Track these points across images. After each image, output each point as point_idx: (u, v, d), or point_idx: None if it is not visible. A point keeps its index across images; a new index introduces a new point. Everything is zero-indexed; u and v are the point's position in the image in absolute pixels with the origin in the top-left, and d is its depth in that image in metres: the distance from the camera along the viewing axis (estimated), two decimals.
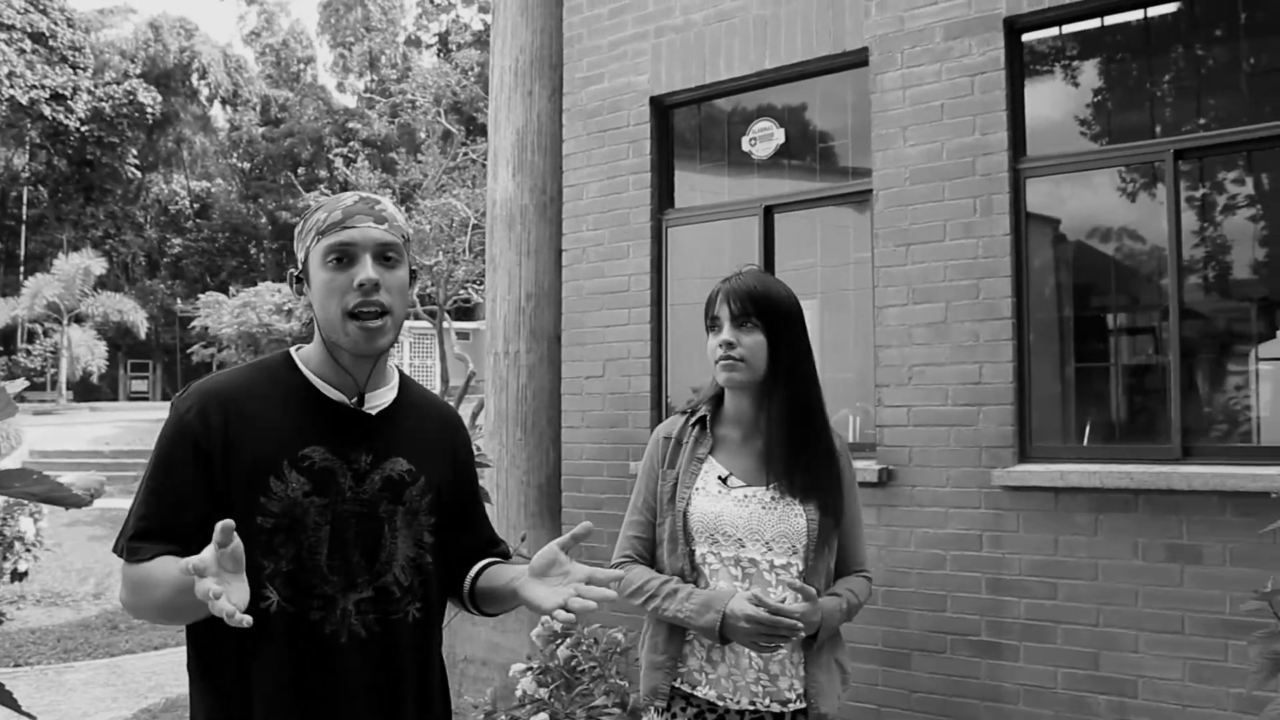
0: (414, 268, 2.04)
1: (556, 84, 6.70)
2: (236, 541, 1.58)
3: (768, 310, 2.53)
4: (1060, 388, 5.01)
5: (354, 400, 1.98)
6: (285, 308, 23.70)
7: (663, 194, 6.19)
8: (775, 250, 5.74)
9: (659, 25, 6.12)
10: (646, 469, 2.71)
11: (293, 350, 2.04)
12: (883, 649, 5.01)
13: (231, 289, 34.71)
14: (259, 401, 1.92)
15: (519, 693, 4.39)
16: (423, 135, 38.93)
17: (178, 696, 6.42)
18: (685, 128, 6.27)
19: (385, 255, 1.91)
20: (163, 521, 1.83)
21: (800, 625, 2.34)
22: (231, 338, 24.31)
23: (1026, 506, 4.71)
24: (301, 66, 56.54)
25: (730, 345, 2.51)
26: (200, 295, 30.07)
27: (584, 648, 4.45)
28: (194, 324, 27.92)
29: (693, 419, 2.68)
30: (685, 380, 6.07)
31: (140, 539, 1.83)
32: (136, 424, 25.14)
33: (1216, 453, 4.50)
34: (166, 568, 1.74)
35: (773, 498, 2.51)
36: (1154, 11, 4.80)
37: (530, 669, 4.48)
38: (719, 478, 2.56)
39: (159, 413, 29.32)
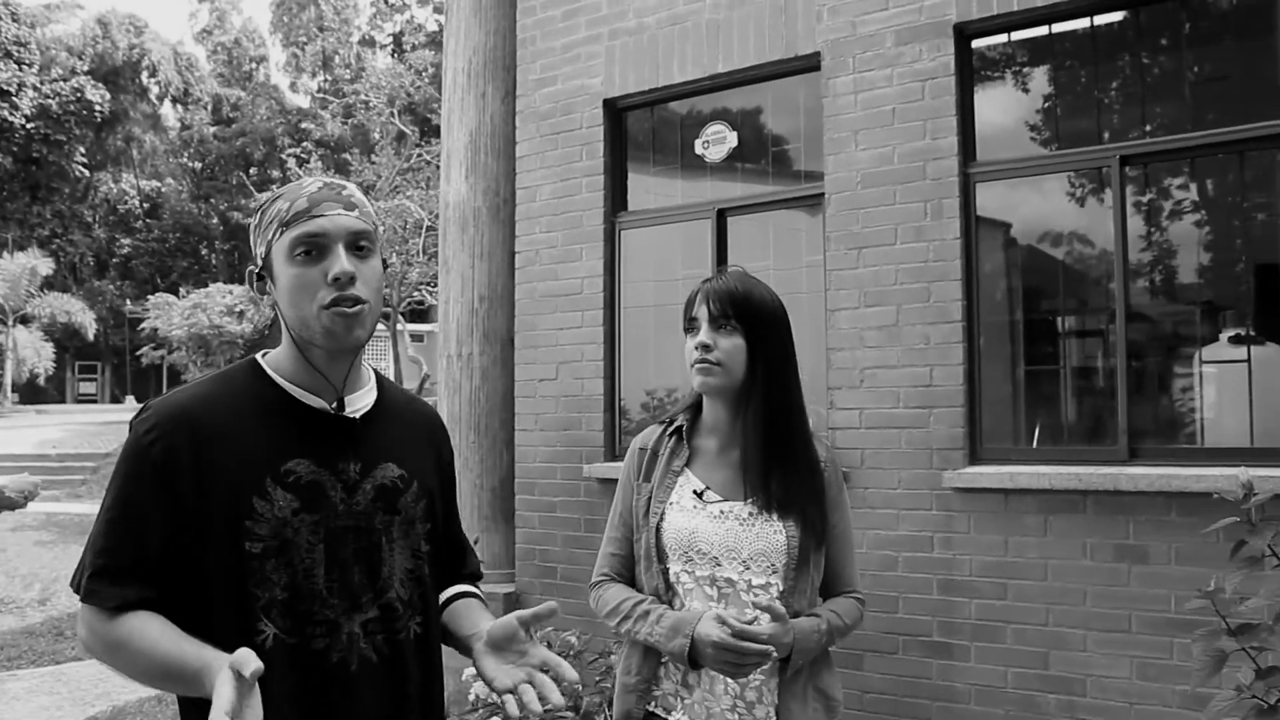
0: (384, 257, 1.85)
1: (510, 86, 6.68)
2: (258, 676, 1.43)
3: (748, 312, 2.36)
4: (1010, 390, 5.06)
5: (334, 405, 1.81)
6: (236, 309, 23.46)
7: (616, 197, 6.19)
8: (728, 253, 5.75)
9: (612, 28, 6.11)
10: (623, 482, 2.56)
11: (258, 357, 1.86)
12: (835, 650, 5.02)
13: (182, 290, 34.28)
14: (229, 416, 1.73)
15: (471, 697, 4.36)
16: (376, 136, 38.65)
17: (125, 704, 6.32)
18: (638, 130, 6.27)
19: (358, 244, 1.74)
20: (122, 561, 1.65)
21: (771, 649, 2.18)
22: (182, 339, 24.02)
23: (977, 508, 4.75)
24: (254, 65, 55.96)
25: (707, 348, 2.34)
26: (150, 296, 29.68)
27: None
28: (143, 325, 27.58)
29: (670, 429, 2.52)
30: (638, 383, 6.07)
31: (101, 579, 1.65)
32: (84, 427, 24.70)
33: (1162, 454, 4.57)
34: (158, 642, 1.60)
35: (750, 513, 2.34)
36: (1101, 20, 4.86)
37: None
38: (694, 492, 2.40)
39: (107, 415, 28.90)
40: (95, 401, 46.53)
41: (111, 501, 1.69)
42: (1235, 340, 4.59)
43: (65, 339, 39.68)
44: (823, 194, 5.32)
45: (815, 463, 2.43)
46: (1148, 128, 4.78)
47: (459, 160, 6.66)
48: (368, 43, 52.89)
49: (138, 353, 34.88)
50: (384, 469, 1.83)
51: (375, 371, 1.98)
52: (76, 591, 1.68)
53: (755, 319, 2.37)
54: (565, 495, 6.08)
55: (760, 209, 5.75)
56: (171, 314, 24.68)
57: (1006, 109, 5.15)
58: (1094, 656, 4.47)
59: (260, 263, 1.79)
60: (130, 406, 37.65)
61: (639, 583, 2.47)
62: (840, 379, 5.12)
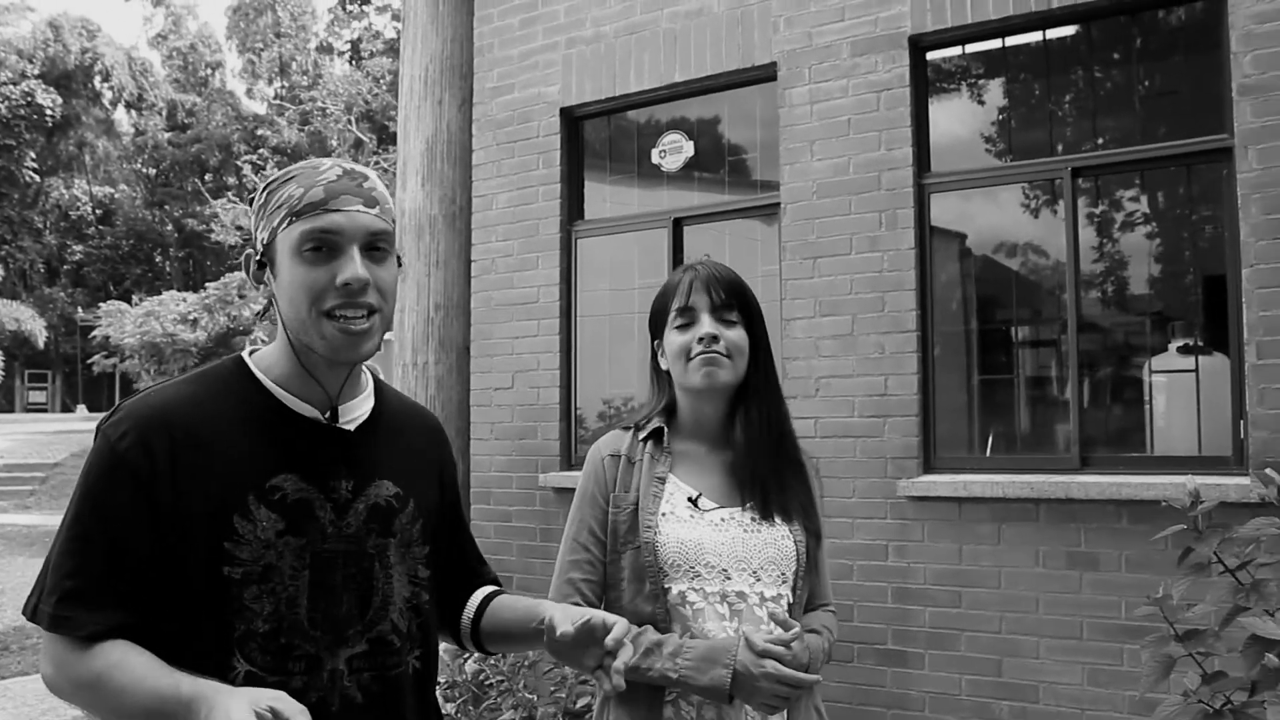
0: (399, 255, 1.66)
1: (467, 93, 6.65)
2: None
3: (747, 303, 2.17)
4: (964, 399, 5.10)
5: (326, 415, 1.63)
6: (190, 317, 23.20)
7: (572, 205, 6.18)
8: (684, 262, 5.75)
9: (570, 37, 6.11)
10: (588, 496, 2.22)
11: (245, 355, 1.66)
12: None
13: (135, 298, 33.88)
14: (212, 422, 1.54)
15: None
16: (334, 143, 38.46)
17: (71, 719, 6.22)
18: (595, 139, 6.27)
19: (375, 246, 1.55)
20: (96, 581, 1.45)
21: (819, 678, 2.01)
22: (134, 348, 23.72)
23: (931, 516, 4.78)
24: (209, 71, 55.41)
25: (714, 339, 2.10)
26: (102, 304, 29.30)
27: (491, 662, 4.41)
28: (95, 333, 27.22)
29: (642, 434, 2.23)
30: (594, 392, 6.06)
31: (70, 603, 1.44)
32: (34, 436, 24.31)
33: (1113, 462, 4.62)
34: (143, 678, 1.41)
35: (753, 519, 2.11)
36: (1053, 34, 4.92)
37: (437, 684, 4.42)
38: (689, 499, 2.13)
39: (58, 424, 28.47)
40: (45, 410, 45.90)
41: (78, 513, 1.49)
42: (1184, 350, 4.66)
43: (15, 347, 39.08)
44: (779, 204, 5.34)
45: (804, 465, 2.27)
46: (1099, 140, 4.84)
47: (415, 168, 6.63)
48: (325, 49, 52.54)
49: (89, 361, 34.39)
50: (378, 487, 1.66)
51: (374, 376, 1.78)
52: (32, 619, 1.48)
53: (752, 310, 2.20)
54: (521, 504, 6.06)
55: (717, 218, 5.76)
56: (124, 322, 24.37)
57: (961, 120, 5.19)
58: (1046, 663, 4.50)
59: (260, 249, 1.59)
60: (83, 415, 37.14)
61: (615, 609, 2.13)
62: (795, 388, 5.14)
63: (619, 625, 1.62)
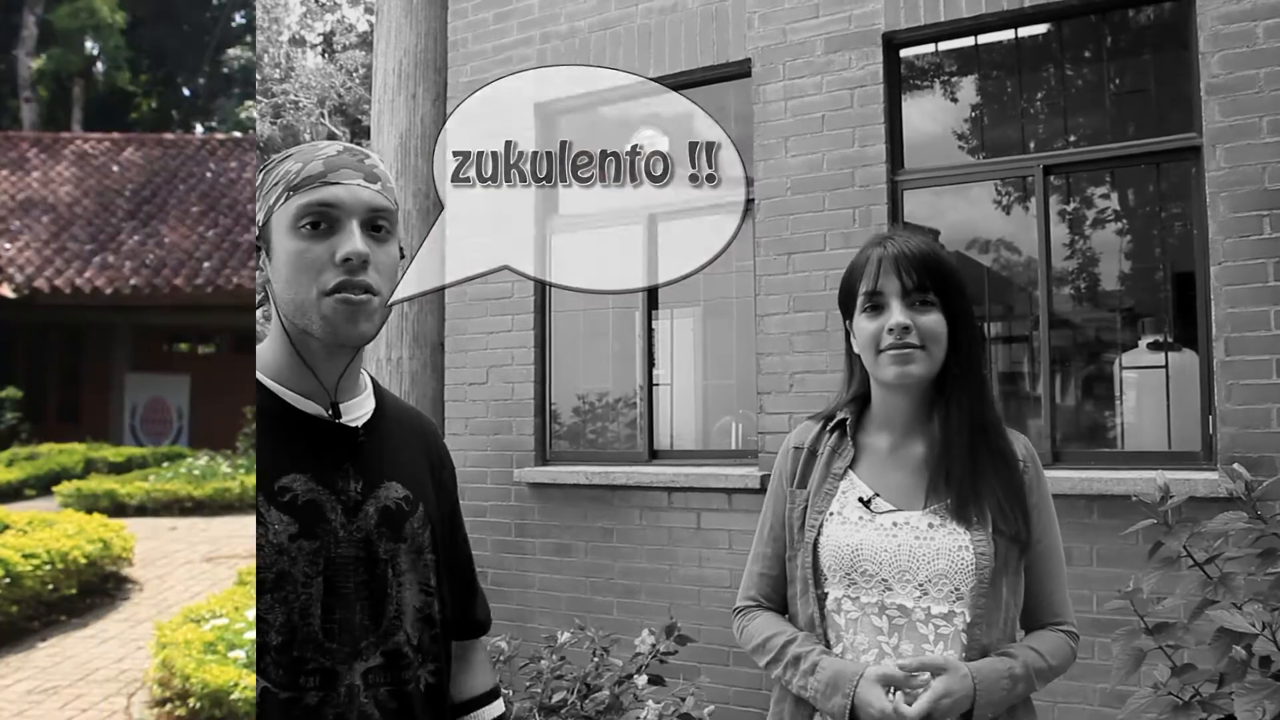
0: (401, 244, 1.56)
1: (441, 88, 6.63)
2: None
3: (944, 282, 1.92)
4: None
5: (329, 411, 1.53)
6: None
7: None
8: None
9: (544, 31, 6.09)
10: (774, 489, 2.13)
11: None
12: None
13: None
14: None
15: None
16: (307, 137, 38.15)
17: None
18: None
19: (375, 224, 1.47)
20: None
21: None
22: None
23: None
24: None
25: (906, 329, 1.87)
26: None
27: None
28: None
29: (830, 424, 2.09)
30: (569, 387, 6.05)
31: None
32: None
33: (1085, 458, 4.66)
34: None
35: (930, 524, 1.90)
36: (1025, 32, 4.95)
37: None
38: (860, 499, 1.95)
39: None
40: None
41: None
42: (1154, 346, 4.70)
43: None
44: (753, 200, 5.35)
45: (1015, 460, 1.98)
46: (1070, 138, 4.88)
47: (389, 162, 6.60)
48: (298, 42, 52.14)
49: None
50: (388, 488, 1.56)
51: (372, 378, 1.69)
52: None
53: (951, 289, 1.94)
54: (496, 500, 6.04)
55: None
56: None
57: (934, 117, 5.22)
58: None
59: (260, 229, 1.50)
60: None
61: (792, 609, 2.05)
62: (769, 384, 5.15)
63: None
